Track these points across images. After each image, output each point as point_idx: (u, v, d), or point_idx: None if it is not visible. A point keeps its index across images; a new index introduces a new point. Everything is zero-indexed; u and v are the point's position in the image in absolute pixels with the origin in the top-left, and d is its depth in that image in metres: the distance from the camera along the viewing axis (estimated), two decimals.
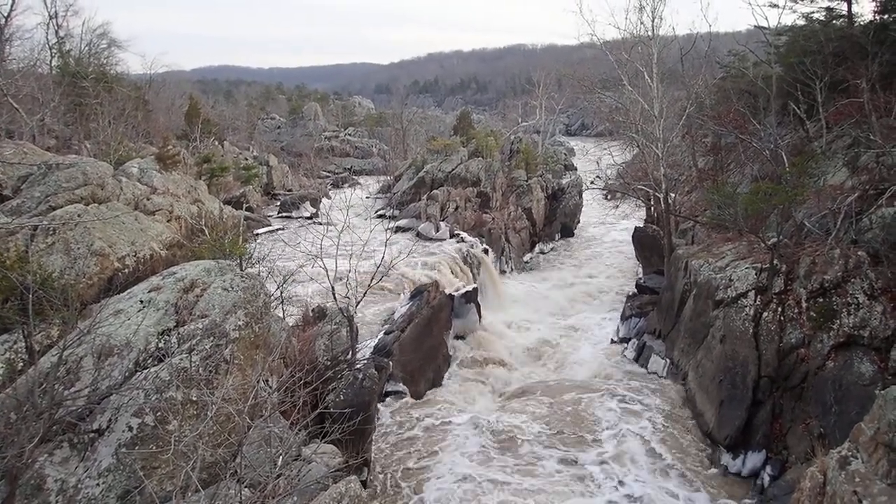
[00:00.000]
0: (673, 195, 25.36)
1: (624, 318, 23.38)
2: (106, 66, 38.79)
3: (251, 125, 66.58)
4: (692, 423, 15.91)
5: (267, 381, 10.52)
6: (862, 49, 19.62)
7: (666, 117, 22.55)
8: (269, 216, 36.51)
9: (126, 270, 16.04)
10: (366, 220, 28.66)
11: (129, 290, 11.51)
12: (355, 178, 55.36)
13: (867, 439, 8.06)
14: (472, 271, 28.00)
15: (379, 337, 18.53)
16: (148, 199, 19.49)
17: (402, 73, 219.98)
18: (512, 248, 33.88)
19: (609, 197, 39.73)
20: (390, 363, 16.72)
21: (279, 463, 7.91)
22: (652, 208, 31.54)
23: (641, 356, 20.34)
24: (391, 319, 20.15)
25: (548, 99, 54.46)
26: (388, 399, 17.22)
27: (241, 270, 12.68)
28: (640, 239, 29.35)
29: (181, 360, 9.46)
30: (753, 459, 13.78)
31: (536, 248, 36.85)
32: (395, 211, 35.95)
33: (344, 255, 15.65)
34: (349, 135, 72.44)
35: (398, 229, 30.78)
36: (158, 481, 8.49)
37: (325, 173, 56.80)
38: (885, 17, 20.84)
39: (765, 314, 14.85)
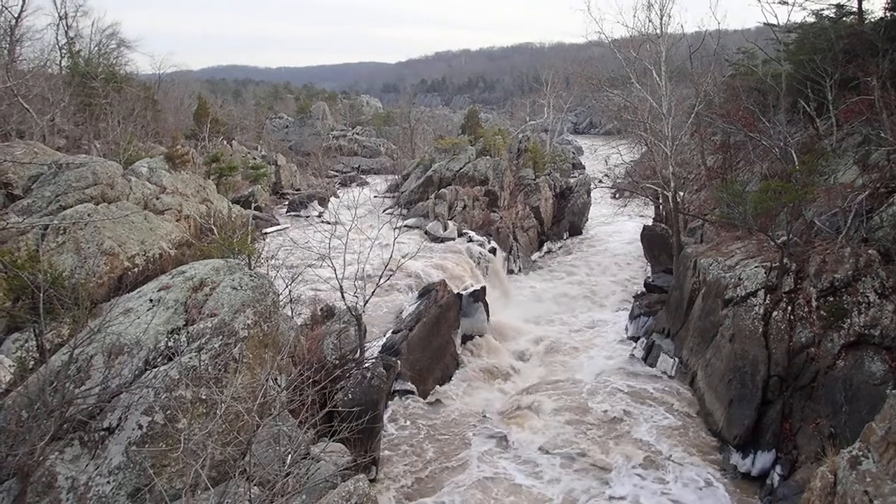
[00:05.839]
0: (682, 193, 25.25)
1: (632, 316, 23.31)
2: (115, 66, 39.15)
3: (259, 124, 66.75)
4: (701, 423, 15.86)
5: (276, 379, 10.57)
6: (872, 46, 19.47)
7: (675, 115, 22.46)
8: (277, 215, 36.62)
9: (136, 269, 16.22)
10: (374, 218, 28.66)
11: (138, 289, 11.57)
12: (363, 177, 55.42)
13: (878, 439, 8.00)
14: (479, 270, 27.98)
15: (387, 336, 18.54)
16: (157, 199, 19.64)
17: (410, 71, 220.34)
18: (520, 246, 33.82)
19: (617, 195, 39.61)
20: (398, 362, 16.72)
21: (288, 461, 7.93)
22: (660, 207, 31.45)
23: (650, 355, 20.27)
24: (399, 318, 20.17)
25: (556, 97, 54.35)
26: (396, 398, 17.24)
27: (250, 269, 12.71)
28: (649, 237, 29.24)
29: (190, 358, 9.49)
30: (763, 459, 13.70)
31: (545, 247, 36.78)
32: (403, 210, 35.96)
33: (352, 253, 15.69)
34: (357, 134, 72.51)
35: (406, 228, 30.79)
36: (168, 479, 8.54)
37: (333, 172, 56.91)
38: None
39: (774, 313, 14.77)
